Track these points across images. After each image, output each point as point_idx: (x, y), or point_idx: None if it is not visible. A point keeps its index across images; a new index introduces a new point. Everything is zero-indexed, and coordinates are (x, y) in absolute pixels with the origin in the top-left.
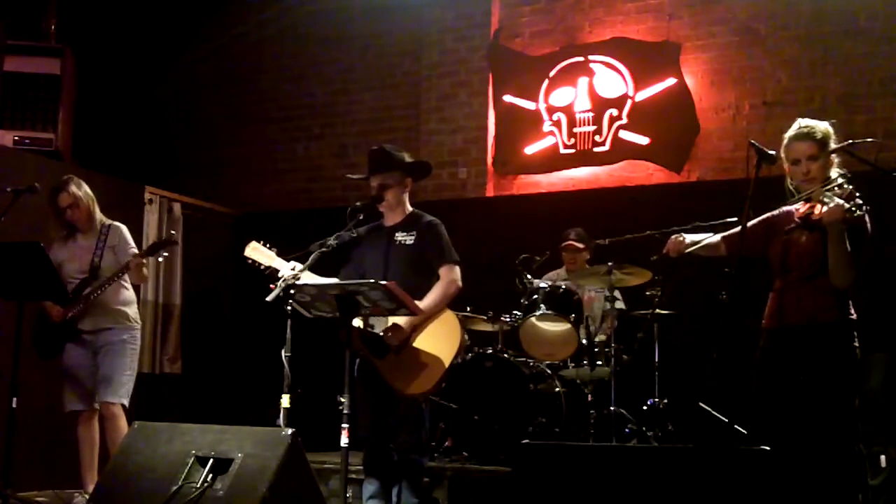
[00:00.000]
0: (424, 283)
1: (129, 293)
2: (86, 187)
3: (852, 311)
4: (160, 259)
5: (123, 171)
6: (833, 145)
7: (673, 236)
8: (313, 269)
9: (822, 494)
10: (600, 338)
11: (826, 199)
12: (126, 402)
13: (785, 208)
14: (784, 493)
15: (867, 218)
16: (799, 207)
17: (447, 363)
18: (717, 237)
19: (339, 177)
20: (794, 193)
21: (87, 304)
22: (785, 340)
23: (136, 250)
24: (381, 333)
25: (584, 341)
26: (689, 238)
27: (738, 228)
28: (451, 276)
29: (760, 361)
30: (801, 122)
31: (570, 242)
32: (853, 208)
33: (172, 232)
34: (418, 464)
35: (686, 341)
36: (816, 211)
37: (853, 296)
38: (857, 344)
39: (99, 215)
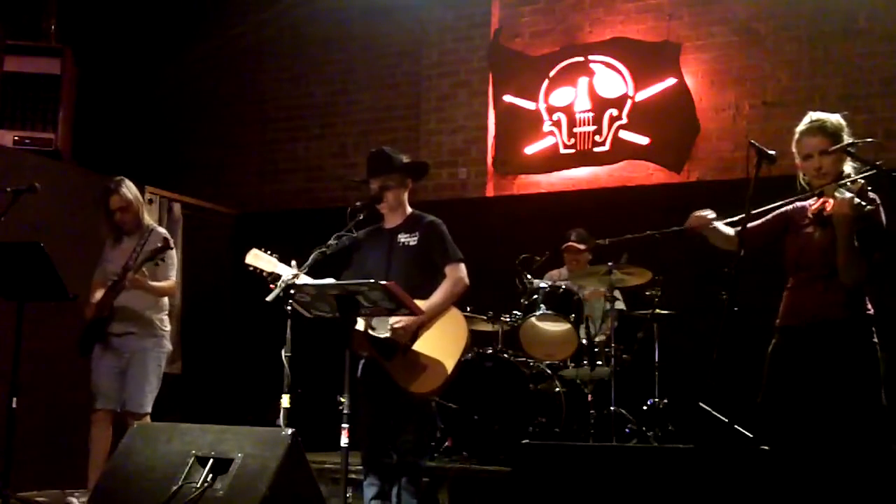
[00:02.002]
0: (429, 283)
1: (160, 300)
2: (135, 190)
3: (869, 307)
4: (158, 264)
5: (123, 171)
6: (846, 138)
7: (696, 212)
8: (313, 272)
9: (854, 496)
10: (600, 338)
11: (837, 194)
12: (149, 409)
13: (798, 203)
14: (785, 494)
15: (881, 212)
16: (812, 203)
17: (455, 360)
18: (731, 230)
19: (339, 177)
20: (806, 189)
21: (111, 306)
22: (798, 339)
23: (173, 262)
24: (388, 335)
25: (584, 341)
26: (711, 214)
27: (754, 223)
28: (457, 274)
29: (773, 360)
30: (813, 116)
31: (571, 243)
32: (862, 202)
33: (166, 237)
34: (417, 465)
35: (686, 341)
36: (828, 207)
37: (869, 292)
38: (875, 340)
39: (146, 218)
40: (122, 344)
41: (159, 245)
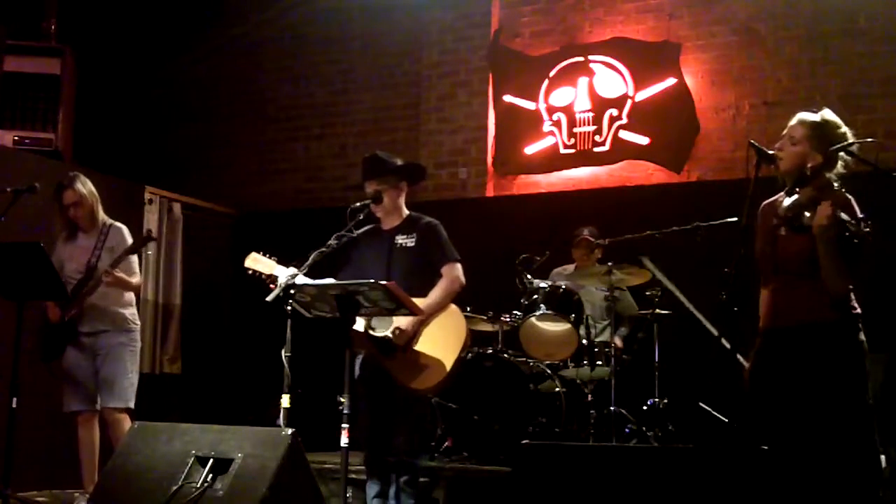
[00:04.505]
0: (427, 284)
1: (128, 295)
2: (90, 185)
3: (856, 307)
4: (144, 255)
5: (123, 171)
6: (824, 140)
7: None
8: (313, 271)
9: (836, 496)
10: (615, 340)
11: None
12: (131, 405)
13: (764, 204)
14: (784, 494)
15: (866, 229)
16: (780, 199)
17: (455, 357)
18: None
19: (339, 177)
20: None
21: (81, 305)
22: (780, 341)
23: (135, 256)
24: (388, 335)
25: (584, 341)
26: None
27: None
28: (453, 273)
29: (755, 363)
30: (825, 114)
31: (586, 237)
32: (841, 214)
33: (149, 228)
34: (413, 465)
35: (686, 341)
36: (807, 214)
37: (855, 290)
38: (862, 339)
39: (102, 215)
40: (94, 343)
41: (133, 238)
